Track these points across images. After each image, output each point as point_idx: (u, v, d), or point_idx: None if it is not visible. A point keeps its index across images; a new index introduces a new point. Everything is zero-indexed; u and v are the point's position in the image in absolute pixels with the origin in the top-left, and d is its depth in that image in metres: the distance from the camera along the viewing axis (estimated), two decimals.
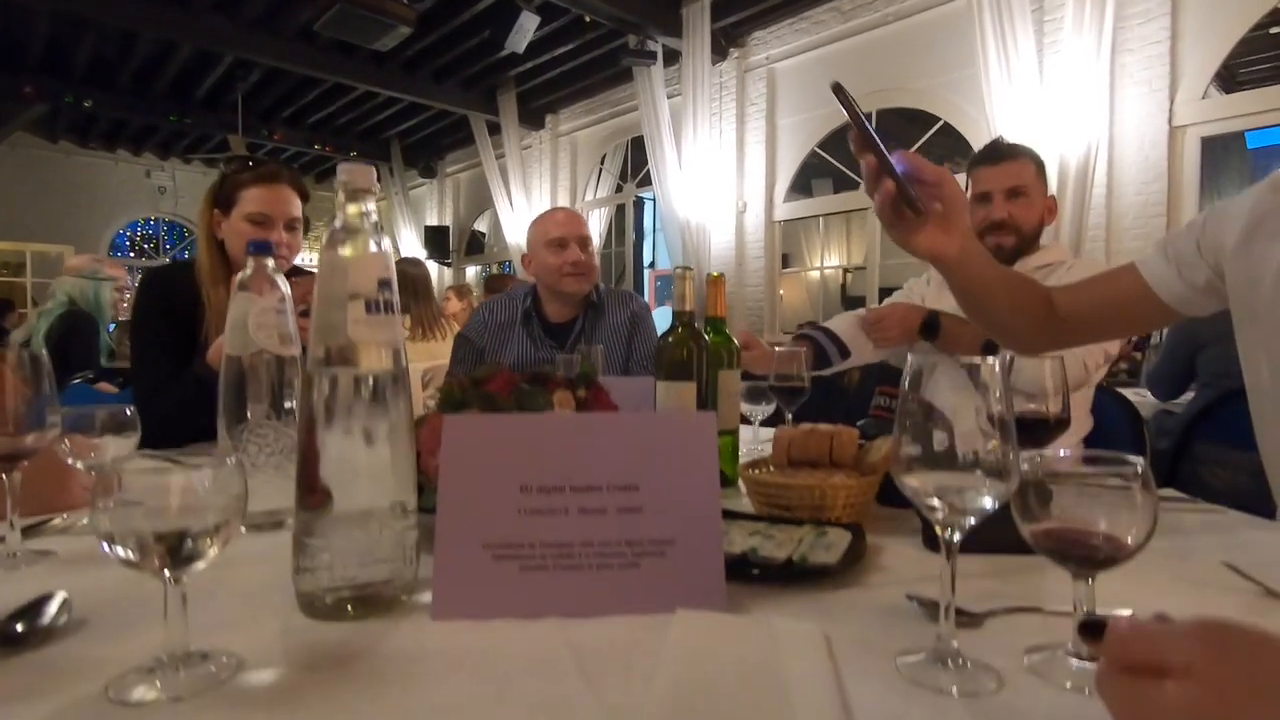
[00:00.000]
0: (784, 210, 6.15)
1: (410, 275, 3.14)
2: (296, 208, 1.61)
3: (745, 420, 1.51)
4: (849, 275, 7.72)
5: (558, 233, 1.94)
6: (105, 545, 0.46)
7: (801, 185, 6.16)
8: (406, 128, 8.78)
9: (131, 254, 10.02)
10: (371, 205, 0.63)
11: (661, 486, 0.63)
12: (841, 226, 7.74)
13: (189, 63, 6.96)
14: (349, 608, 0.60)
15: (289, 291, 0.90)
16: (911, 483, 0.50)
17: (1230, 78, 4.76)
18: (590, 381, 0.89)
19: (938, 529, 0.51)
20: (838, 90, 0.78)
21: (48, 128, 8.61)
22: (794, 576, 0.69)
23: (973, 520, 0.50)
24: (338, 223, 0.62)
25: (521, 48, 5.62)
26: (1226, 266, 0.97)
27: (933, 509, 0.50)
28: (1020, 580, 0.71)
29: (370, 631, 0.57)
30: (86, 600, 0.63)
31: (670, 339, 1.05)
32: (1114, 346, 1.67)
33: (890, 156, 0.81)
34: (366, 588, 0.61)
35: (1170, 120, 4.19)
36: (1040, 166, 1.76)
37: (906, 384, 0.51)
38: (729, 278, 6.25)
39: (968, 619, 0.60)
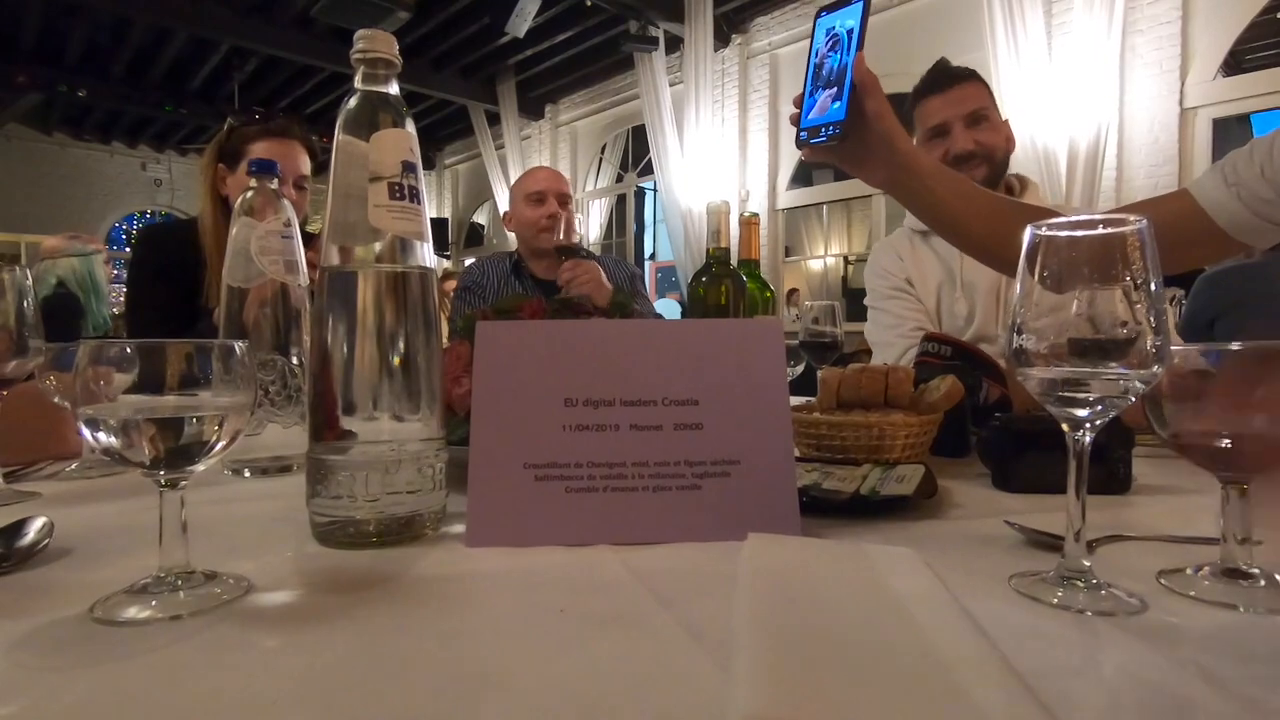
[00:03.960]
0: (787, 199, 6.07)
1: None
2: (306, 165, 1.53)
3: None
4: (850, 266, 7.65)
5: (537, 187, 1.97)
6: (86, 431, 0.38)
7: (802, 175, 6.08)
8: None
9: (128, 248, 9.91)
10: (394, 84, 0.56)
11: (724, 401, 0.56)
12: (843, 216, 7.67)
13: (184, 51, 6.86)
14: (371, 538, 0.53)
15: (294, 216, 0.82)
16: (1036, 374, 0.43)
17: (1235, 63, 4.70)
18: (626, 312, 0.81)
19: (1067, 428, 0.44)
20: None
21: (42, 119, 8.49)
22: (865, 509, 0.62)
23: (1112, 413, 0.42)
24: (353, 101, 0.54)
25: (522, 32, 5.54)
26: None
27: (1067, 401, 0.43)
28: (1114, 514, 0.64)
29: (396, 558, 0.50)
30: (74, 532, 0.56)
31: (705, 278, 0.98)
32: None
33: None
34: (390, 516, 0.53)
35: (1181, 102, 4.12)
36: (989, 89, 1.54)
37: (1024, 259, 0.44)
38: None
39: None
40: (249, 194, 0.81)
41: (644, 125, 6.33)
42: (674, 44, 6.01)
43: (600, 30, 6.29)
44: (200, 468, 0.41)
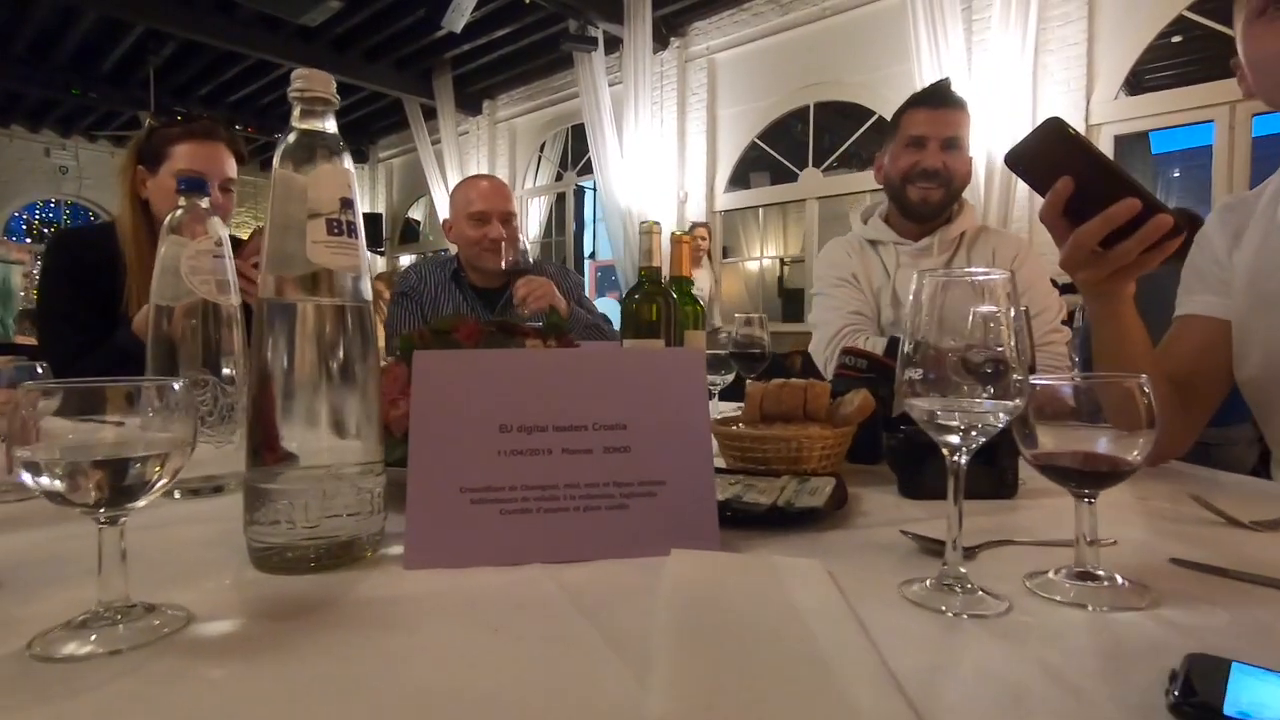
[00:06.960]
0: (724, 200, 6.20)
1: None
2: (232, 168, 1.50)
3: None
4: (786, 267, 7.86)
5: (480, 206, 1.91)
6: (26, 475, 0.39)
7: (740, 177, 6.22)
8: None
9: (28, 239, 9.20)
10: (331, 120, 0.57)
11: (650, 425, 0.60)
12: (779, 218, 7.86)
13: (93, 32, 6.45)
14: (310, 563, 0.55)
15: (225, 234, 0.82)
16: (920, 404, 0.49)
17: (1137, 83, 5.06)
18: (560, 332, 0.84)
19: (945, 451, 0.50)
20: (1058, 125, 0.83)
21: None
22: (781, 520, 0.67)
23: (982, 439, 0.49)
24: (291, 137, 0.56)
25: (459, 27, 5.47)
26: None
27: (942, 429, 0.49)
28: (1000, 519, 0.71)
29: (335, 582, 0.52)
30: (3, 563, 0.55)
31: (638, 295, 1.02)
32: (1059, 311, 1.66)
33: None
34: (329, 541, 0.55)
35: (1087, 118, 4.42)
36: (969, 123, 1.65)
37: (911, 302, 0.50)
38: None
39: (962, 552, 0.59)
40: (178, 212, 0.80)
41: (583, 124, 6.34)
42: (613, 44, 6.04)
43: (539, 28, 6.26)
44: (141, 504, 0.42)
